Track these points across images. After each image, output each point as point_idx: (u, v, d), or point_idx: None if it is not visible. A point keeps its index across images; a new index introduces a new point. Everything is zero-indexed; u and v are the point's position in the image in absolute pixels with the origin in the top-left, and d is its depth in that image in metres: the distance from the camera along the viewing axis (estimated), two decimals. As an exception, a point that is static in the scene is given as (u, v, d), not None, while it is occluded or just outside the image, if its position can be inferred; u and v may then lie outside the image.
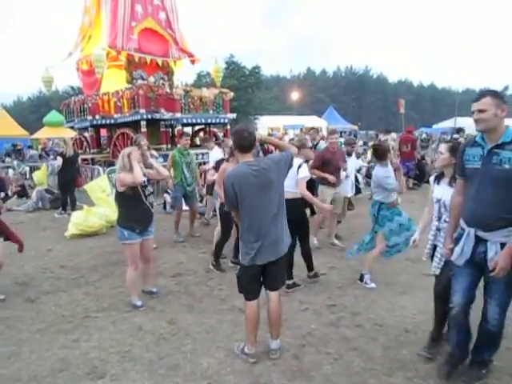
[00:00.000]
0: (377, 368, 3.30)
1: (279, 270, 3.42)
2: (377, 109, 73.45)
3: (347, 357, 3.48)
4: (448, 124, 35.01)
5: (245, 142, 3.19)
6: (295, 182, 4.75)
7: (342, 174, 6.47)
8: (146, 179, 4.56)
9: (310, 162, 5.96)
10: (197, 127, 13.91)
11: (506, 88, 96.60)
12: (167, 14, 13.56)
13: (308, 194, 4.87)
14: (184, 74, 43.77)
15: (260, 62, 75.50)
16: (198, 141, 14.55)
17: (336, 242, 6.71)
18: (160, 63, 13.20)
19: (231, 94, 12.46)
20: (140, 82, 12.39)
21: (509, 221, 2.72)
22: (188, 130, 15.33)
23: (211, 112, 12.00)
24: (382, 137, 15.43)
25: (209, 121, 12.27)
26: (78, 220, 7.67)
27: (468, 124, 31.33)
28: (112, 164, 11.82)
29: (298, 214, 4.75)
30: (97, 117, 12.84)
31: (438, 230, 3.52)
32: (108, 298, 4.89)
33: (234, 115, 12.89)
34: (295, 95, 50.67)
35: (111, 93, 12.45)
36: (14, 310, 4.64)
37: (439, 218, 3.52)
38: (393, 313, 4.30)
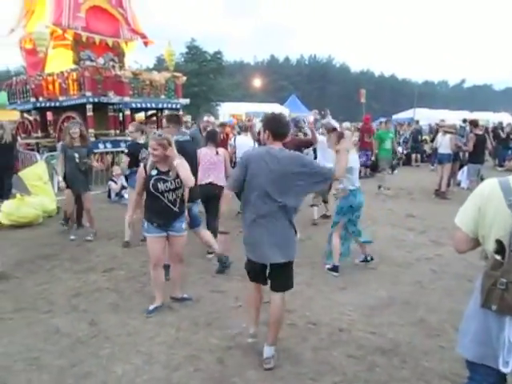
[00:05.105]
0: (303, 372, 3.11)
1: (279, 273, 3.17)
2: (339, 98, 73.86)
3: (275, 360, 3.28)
4: (407, 115, 35.57)
5: (281, 130, 3.17)
6: None
7: None
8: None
9: None
10: (149, 112, 13.35)
11: (463, 81, 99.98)
12: (117, -8, 12.86)
13: None
14: (144, 58, 42.46)
15: (223, 48, 74.20)
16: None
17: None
18: (110, 44, 12.53)
19: (183, 79, 11.97)
20: (87, 63, 11.73)
21: None
22: (141, 115, 14.78)
23: (162, 96, 11.49)
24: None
25: (160, 106, 11.76)
26: (9, 210, 7.12)
27: (425, 115, 32.08)
28: (54, 149, 11.16)
29: None
30: (40, 99, 12.09)
31: None
32: (28, 297, 4.49)
33: (188, 100, 12.43)
34: (258, 82, 50.24)
35: (56, 74, 11.72)
36: None
37: None
38: (329, 310, 4.13)
